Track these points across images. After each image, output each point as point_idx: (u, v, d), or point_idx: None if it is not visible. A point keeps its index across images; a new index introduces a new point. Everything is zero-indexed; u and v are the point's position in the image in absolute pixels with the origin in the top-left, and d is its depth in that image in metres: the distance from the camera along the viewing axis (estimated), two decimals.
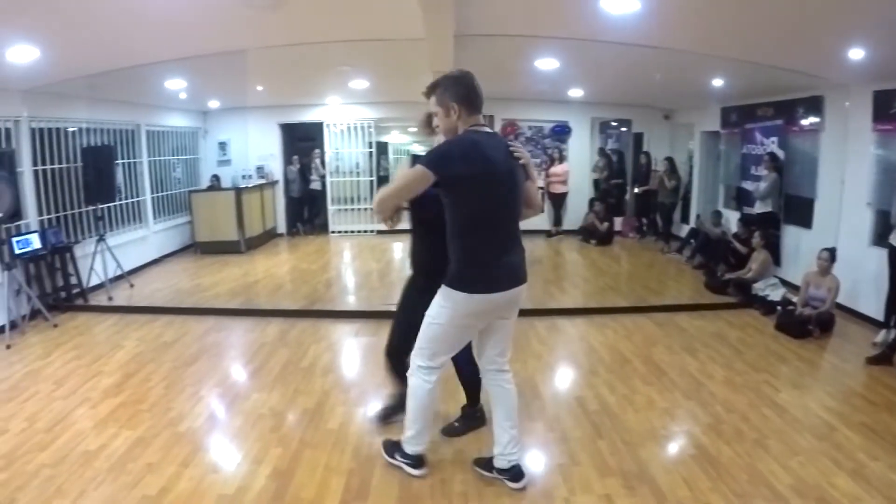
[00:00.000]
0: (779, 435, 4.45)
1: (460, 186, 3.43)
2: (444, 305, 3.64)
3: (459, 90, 3.55)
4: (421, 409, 3.92)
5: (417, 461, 4.05)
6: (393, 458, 4.15)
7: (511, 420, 3.94)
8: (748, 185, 9.75)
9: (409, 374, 3.92)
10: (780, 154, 8.87)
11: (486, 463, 4.05)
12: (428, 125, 3.98)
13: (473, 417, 4.66)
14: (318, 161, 13.94)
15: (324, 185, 14.11)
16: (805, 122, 8.45)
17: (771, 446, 4.28)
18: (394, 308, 4.60)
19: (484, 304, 3.61)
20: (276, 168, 14.13)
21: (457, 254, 3.56)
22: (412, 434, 3.98)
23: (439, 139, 3.81)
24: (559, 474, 4.01)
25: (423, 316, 3.77)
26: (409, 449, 4.03)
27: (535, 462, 4.22)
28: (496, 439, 3.96)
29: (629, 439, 4.42)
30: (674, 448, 4.38)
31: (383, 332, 4.78)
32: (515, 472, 3.92)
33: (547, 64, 8.38)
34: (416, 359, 3.85)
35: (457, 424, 4.64)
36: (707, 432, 4.50)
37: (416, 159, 3.55)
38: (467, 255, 3.55)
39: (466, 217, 3.50)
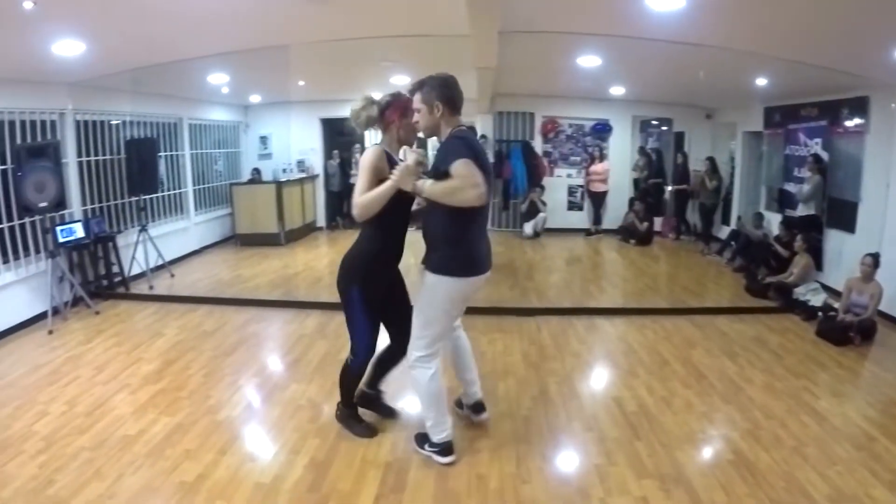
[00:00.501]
0: (817, 443, 4.36)
1: None
2: (437, 293, 3.91)
3: (445, 91, 3.81)
4: (430, 396, 4.07)
5: (445, 448, 4.11)
6: (423, 448, 4.20)
7: (472, 363, 4.53)
8: (791, 187, 9.60)
9: (409, 367, 4.09)
10: (824, 156, 8.70)
11: (456, 402, 4.72)
12: (372, 112, 4.14)
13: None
14: (358, 156, 13.88)
15: None
16: (850, 123, 8.26)
17: (809, 454, 4.20)
18: None
19: (473, 286, 3.96)
20: (316, 162, 14.20)
21: (452, 241, 3.85)
22: (432, 423, 4.10)
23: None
24: (596, 474, 3.97)
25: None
26: (435, 437, 4.11)
27: (573, 461, 4.19)
28: (471, 389, 4.55)
29: (667, 441, 4.36)
30: (711, 452, 4.31)
31: None
32: (479, 406, 4.56)
33: (589, 61, 8.32)
34: (415, 350, 4.04)
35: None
36: (745, 437, 4.42)
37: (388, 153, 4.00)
38: (463, 243, 3.86)
39: (468, 207, 3.63)
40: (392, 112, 4.10)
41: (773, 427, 4.58)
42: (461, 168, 3.53)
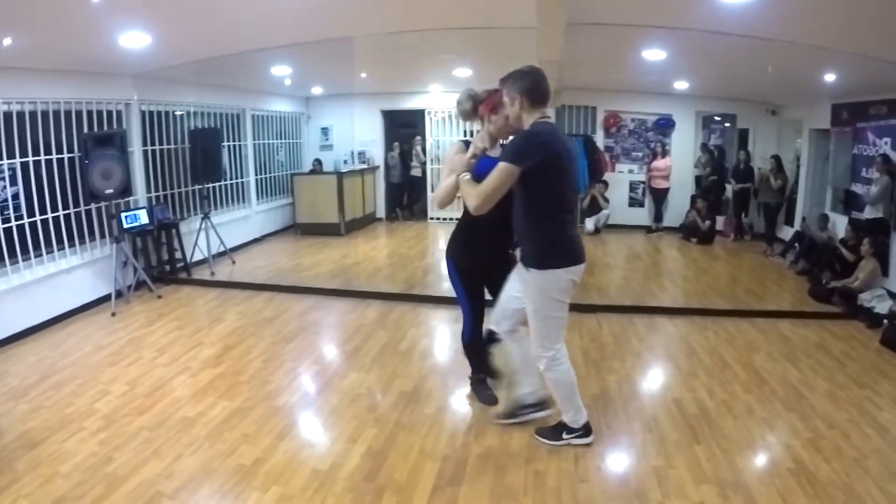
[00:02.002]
0: (879, 456, 4.20)
1: (546, 171, 3.70)
2: (540, 289, 3.92)
3: (523, 84, 3.82)
4: (568, 389, 4.14)
5: (586, 430, 4.22)
6: (560, 439, 4.23)
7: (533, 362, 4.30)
8: (858, 189, 9.28)
9: (543, 370, 4.10)
10: (894, 156, 8.42)
11: (513, 409, 4.53)
12: (467, 107, 4.37)
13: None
14: (418, 148, 14.00)
15: (424, 171, 14.13)
16: None
17: (871, 467, 4.04)
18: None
19: (574, 275, 3.93)
20: (376, 154, 14.25)
21: (545, 235, 3.88)
22: (572, 413, 4.19)
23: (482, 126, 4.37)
24: (654, 476, 3.88)
25: None
26: (576, 424, 4.20)
27: (631, 462, 4.11)
28: (525, 381, 4.44)
29: (726, 447, 4.25)
30: (771, 460, 4.17)
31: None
32: (544, 403, 4.44)
33: (654, 55, 8.18)
34: (543, 353, 4.04)
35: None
36: (806, 447, 4.28)
37: (466, 144, 4.11)
38: (556, 234, 3.88)
39: (554, 198, 3.81)
40: (483, 107, 4.27)
41: (834, 437, 4.43)
42: (494, 173, 3.70)
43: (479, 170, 3.92)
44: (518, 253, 4.02)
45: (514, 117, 3.93)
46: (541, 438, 4.28)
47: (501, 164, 3.66)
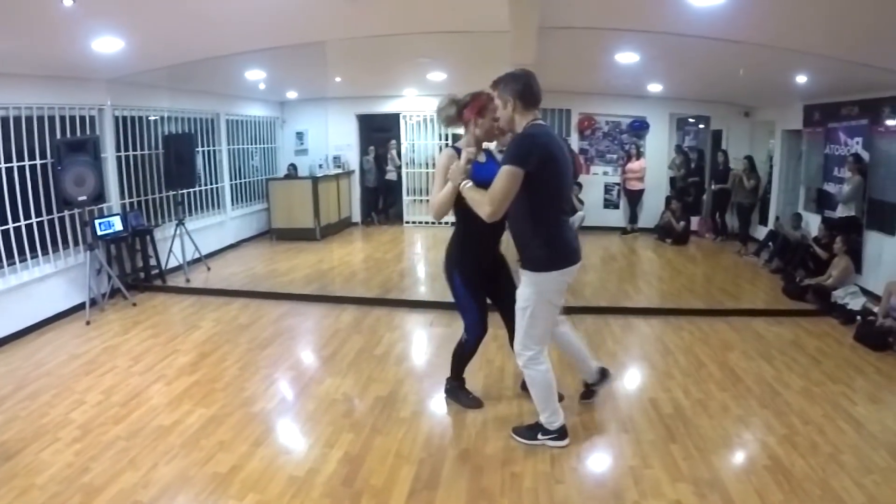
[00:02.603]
0: (854, 450, 4.25)
1: (543, 172, 3.73)
2: (534, 290, 3.95)
3: (516, 87, 3.86)
4: (546, 389, 4.18)
5: (561, 432, 4.24)
6: (535, 439, 4.26)
7: (584, 352, 4.81)
8: (830, 188, 9.38)
9: (521, 367, 4.19)
10: (865, 156, 8.49)
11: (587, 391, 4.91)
12: (450, 112, 4.37)
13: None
14: (394, 152, 13.99)
15: (399, 175, 14.12)
16: (892, 122, 8.00)
17: (846, 462, 4.09)
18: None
19: (567, 277, 3.99)
20: (352, 158, 14.25)
21: (542, 237, 3.91)
22: (548, 414, 4.22)
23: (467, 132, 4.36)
24: (630, 476, 3.91)
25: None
26: (552, 426, 4.22)
27: (607, 462, 4.15)
28: (588, 367, 4.79)
29: (702, 445, 4.29)
30: (747, 457, 4.22)
31: (457, 323, 4.78)
32: (604, 372, 4.87)
33: (627, 58, 8.27)
34: (525, 351, 4.12)
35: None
36: (781, 443, 4.33)
37: (457, 151, 4.15)
38: (552, 236, 3.92)
39: (548, 200, 3.87)
40: (469, 111, 4.28)
41: (809, 433, 4.48)
42: (499, 177, 3.71)
43: (478, 175, 3.98)
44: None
45: (506, 120, 3.97)
46: (516, 437, 4.32)
47: (506, 168, 3.68)
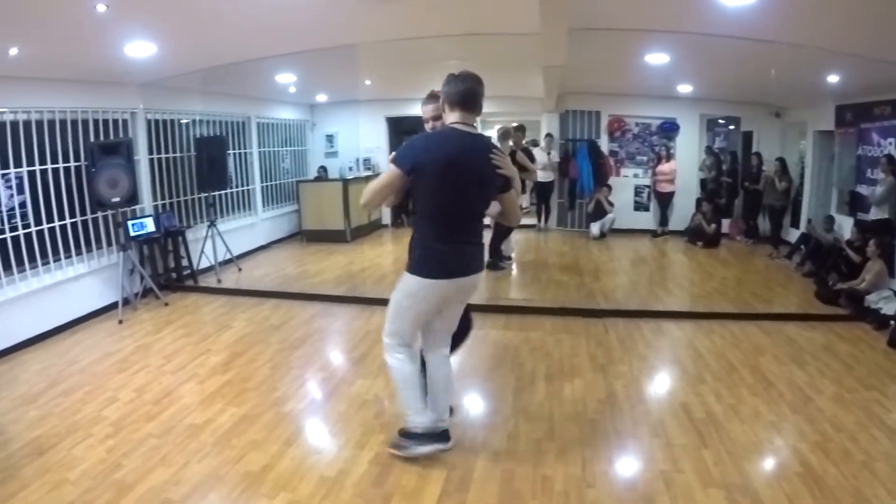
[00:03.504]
0: (887, 458, 4.17)
1: (421, 176, 3.68)
2: (401, 285, 3.94)
3: (448, 88, 3.78)
4: (400, 383, 4.08)
5: (434, 435, 4.08)
6: (408, 449, 4.13)
7: (441, 397, 4.14)
8: (863, 190, 9.25)
9: (382, 352, 4.12)
10: None
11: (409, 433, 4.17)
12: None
13: None
14: None
15: None
16: None
17: (878, 470, 4.02)
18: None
19: (435, 289, 3.83)
20: (382, 160, 14.23)
21: (416, 240, 3.89)
22: (410, 413, 4.10)
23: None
24: (662, 481, 3.87)
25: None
26: (415, 428, 4.10)
27: (638, 466, 4.11)
28: (434, 406, 4.11)
29: (734, 450, 4.24)
30: (779, 463, 4.16)
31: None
32: (446, 435, 4.12)
33: (657, 58, 8.22)
34: (384, 336, 4.07)
35: None
36: (814, 450, 4.26)
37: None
38: (424, 242, 3.84)
39: (426, 206, 3.80)
40: (424, 111, 4.29)
41: (842, 440, 4.41)
42: (385, 172, 3.80)
43: None
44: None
45: (444, 121, 3.93)
46: (393, 451, 4.18)
47: (390, 159, 3.77)
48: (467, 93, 3.75)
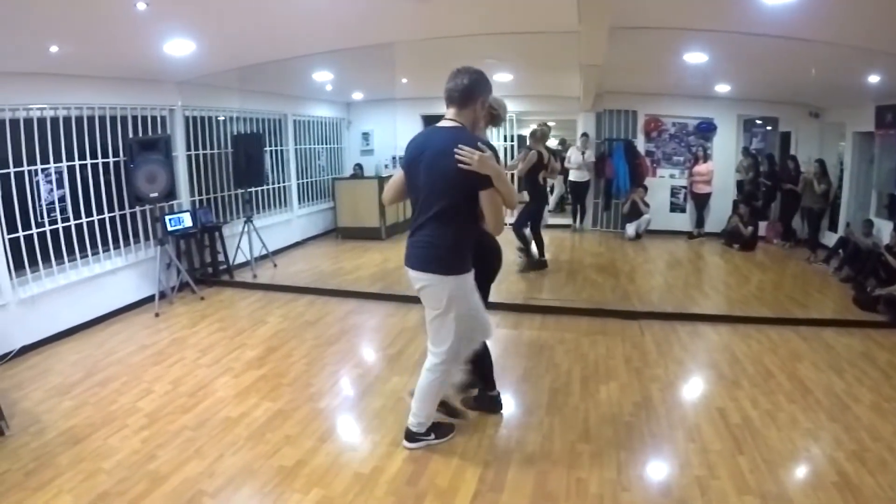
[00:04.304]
0: None
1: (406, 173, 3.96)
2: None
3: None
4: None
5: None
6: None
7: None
8: None
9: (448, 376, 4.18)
10: None
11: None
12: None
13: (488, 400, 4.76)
14: None
15: None
16: None
17: None
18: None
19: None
20: None
21: None
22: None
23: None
24: (697, 486, 3.83)
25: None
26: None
27: (674, 471, 4.06)
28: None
29: (770, 458, 4.18)
30: (815, 472, 4.08)
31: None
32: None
33: (695, 58, 8.13)
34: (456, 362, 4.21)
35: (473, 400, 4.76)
36: (850, 459, 4.19)
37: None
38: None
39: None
40: None
41: (879, 450, 4.32)
42: None
43: None
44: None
45: None
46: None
47: None
48: (448, 90, 3.87)
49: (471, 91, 3.80)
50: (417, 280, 3.89)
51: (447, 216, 3.74)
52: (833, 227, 11.33)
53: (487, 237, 4.13)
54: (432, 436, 4.23)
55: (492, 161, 3.55)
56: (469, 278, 3.87)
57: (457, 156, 3.54)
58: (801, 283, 9.37)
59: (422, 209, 3.82)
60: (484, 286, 4.26)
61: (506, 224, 4.00)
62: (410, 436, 4.20)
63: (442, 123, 3.81)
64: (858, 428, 4.63)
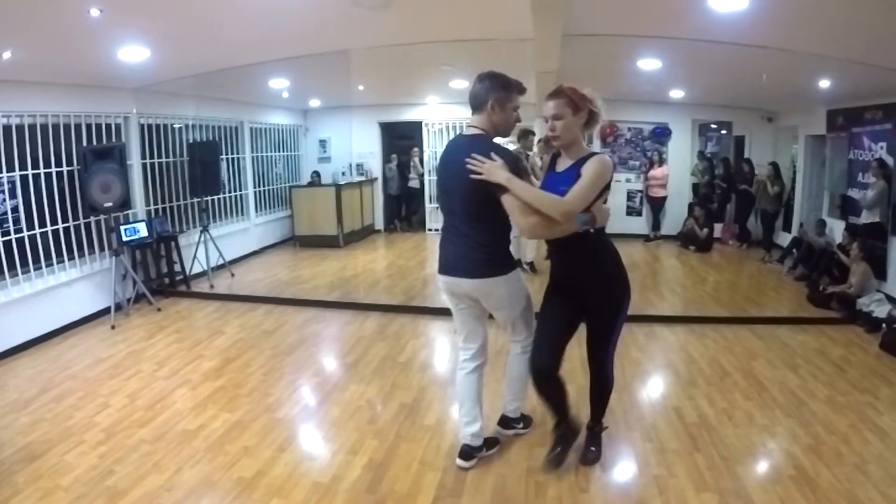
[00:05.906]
0: (880, 461, 4.19)
1: None
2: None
3: None
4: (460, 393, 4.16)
5: (461, 449, 4.13)
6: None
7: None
8: (854, 193, 9.27)
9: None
10: (889, 160, 8.38)
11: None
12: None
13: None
14: (416, 160, 14.03)
15: (422, 183, 14.16)
16: None
17: (871, 472, 4.04)
18: None
19: (442, 284, 3.96)
20: (375, 166, 14.31)
21: None
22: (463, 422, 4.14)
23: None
24: (655, 485, 3.88)
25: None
26: (463, 438, 4.15)
27: (632, 471, 4.10)
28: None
29: (727, 455, 4.25)
30: (772, 467, 4.17)
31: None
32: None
33: (650, 64, 8.22)
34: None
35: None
36: (806, 453, 4.28)
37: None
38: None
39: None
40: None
41: (835, 443, 4.43)
42: None
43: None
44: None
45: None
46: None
47: None
48: (470, 95, 3.81)
49: (480, 95, 3.77)
50: (470, 285, 3.84)
51: (484, 221, 3.76)
52: (787, 227, 11.52)
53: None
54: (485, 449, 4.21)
55: (501, 169, 3.51)
56: (518, 273, 3.99)
57: (468, 165, 3.56)
58: (756, 282, 9.52)
59: (457, 217, 3.80)
60: None
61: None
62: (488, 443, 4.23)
63: (469, 131, 3.80)
64: (814, 422, 4.73)
